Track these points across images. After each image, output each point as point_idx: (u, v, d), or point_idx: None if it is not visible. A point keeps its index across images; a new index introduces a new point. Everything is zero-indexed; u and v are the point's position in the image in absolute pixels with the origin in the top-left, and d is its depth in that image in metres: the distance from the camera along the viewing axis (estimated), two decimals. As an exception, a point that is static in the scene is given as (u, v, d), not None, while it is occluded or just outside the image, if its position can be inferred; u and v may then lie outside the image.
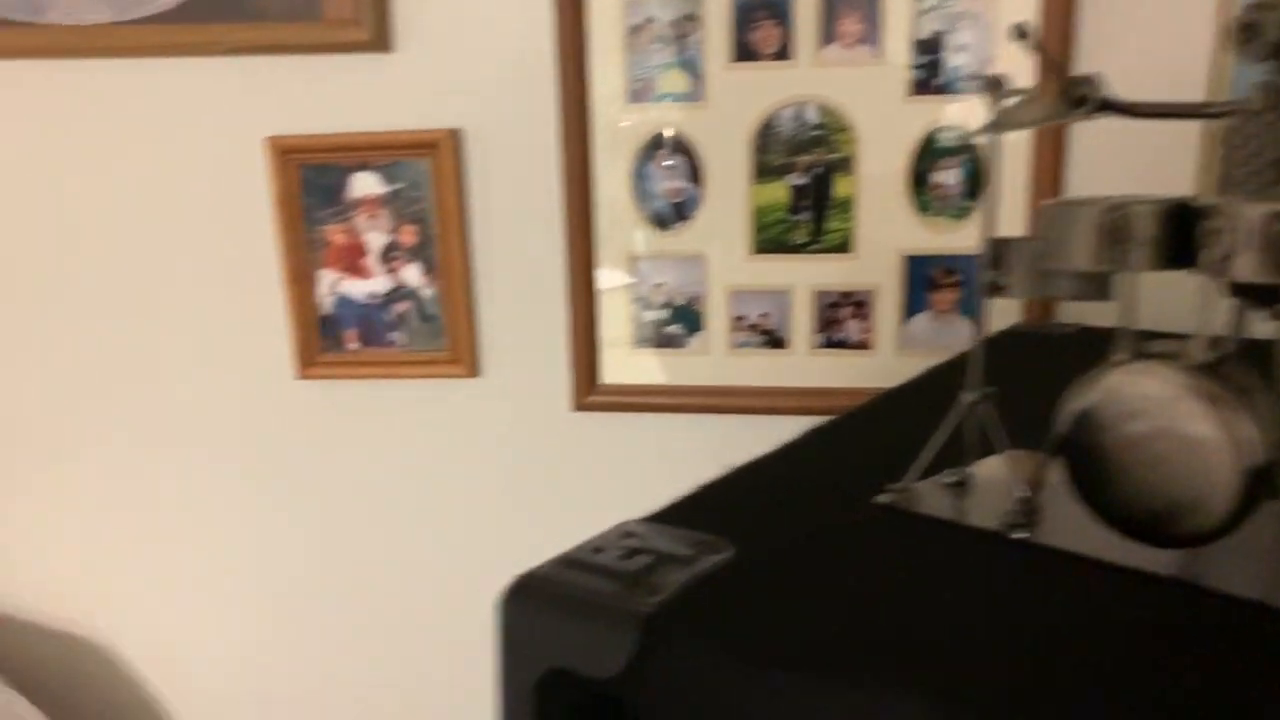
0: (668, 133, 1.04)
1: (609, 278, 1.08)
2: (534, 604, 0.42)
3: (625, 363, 1.10)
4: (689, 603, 0.41)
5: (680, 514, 0.49)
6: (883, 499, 0.51)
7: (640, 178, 1.06)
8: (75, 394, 1.21)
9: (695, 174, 1.05)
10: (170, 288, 1.16)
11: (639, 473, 1.11)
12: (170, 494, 1.21)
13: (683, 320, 1.08)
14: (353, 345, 1.11)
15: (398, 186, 1.07)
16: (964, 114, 0.99)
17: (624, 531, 0.46)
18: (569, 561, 0.43)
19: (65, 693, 1.31)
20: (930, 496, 0.51)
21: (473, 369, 1.10)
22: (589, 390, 1.10)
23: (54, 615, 1.30)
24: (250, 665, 1.26)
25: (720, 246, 1.06)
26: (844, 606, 0.41)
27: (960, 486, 0.52)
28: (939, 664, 0.37)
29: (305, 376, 1.12)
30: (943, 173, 1.02)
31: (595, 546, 0.44)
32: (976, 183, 1.01)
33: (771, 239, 1.05)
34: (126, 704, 1.30)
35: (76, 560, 1.27)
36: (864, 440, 0.63)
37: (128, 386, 1.19)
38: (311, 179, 1.07)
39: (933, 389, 0.73)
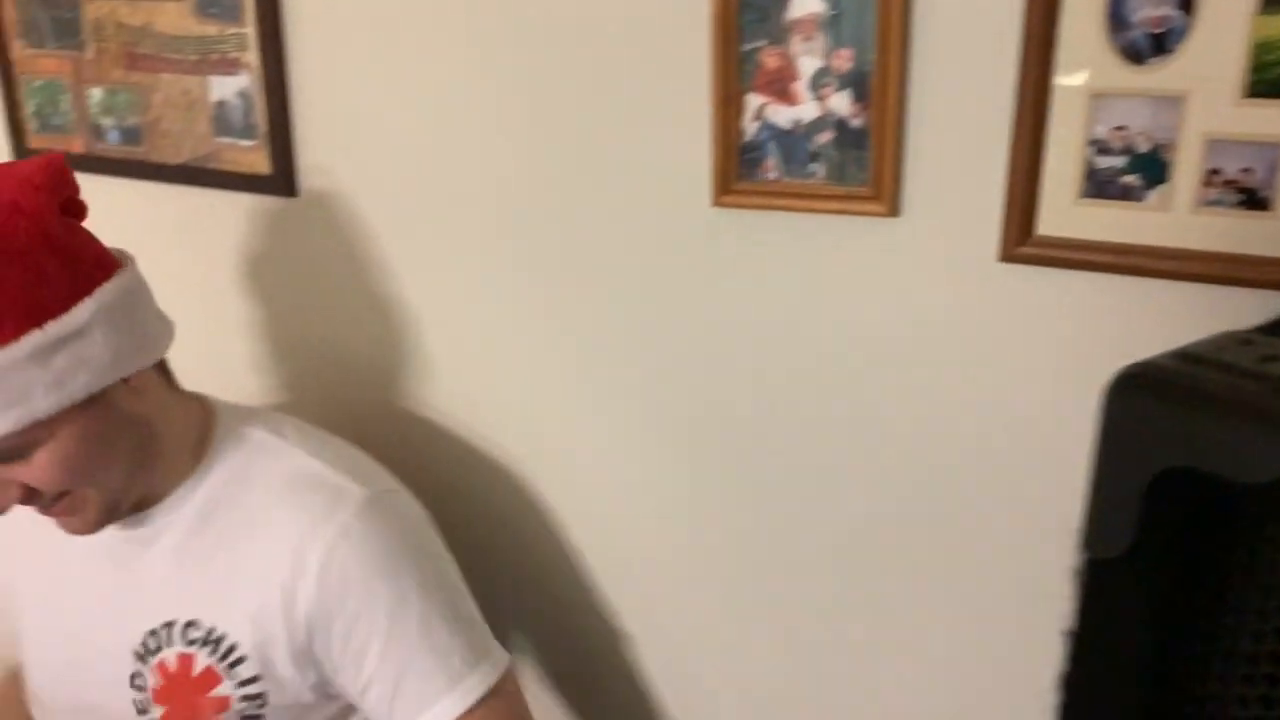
0: (1162, -50, 0.91)
1: (1062, 116, 0.98)
2: (1155, 399, 0.37)
3: (1066, 213, 1.00)
4: (1359, 417, 0.35)
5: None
6: None
7: (1116, 2, 0.94)
8: (488, 211, 1.29)
9: (1186, 0, 0.91)
10: (593, 107, 1.18)
11: (1068, 337, 1.02)
12: (581, 313, 1.27)
13: (1144, 170, 0.96)
14: (771, 174, 1.09)
15: (840, 6, 1.01)
16: None
17: (1240, 339, 0.40)
18: (1188, 356, 0.38)
19: (462, 500, 1.44)
20: None
21: (893, 208, 1.05)
22: (1022, 240, 1.01)
23: (468, 427, 1.42)
24: (652, 493, 1.31)
25: (1205, 87, 0.93)
26: None
27: None
28: None
29: (720, 204, 1.12)
30: None
31: (1214, 345, 0.39)
32: None
33: (1271, 81, 0.90)
34: (526, 517, 1.41)
35: (491, 378, 1.37)
36: None
37: (544, 204, 1.25)
38: (752, -4, 1.04)
39: None
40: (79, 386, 0.91)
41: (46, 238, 0.93)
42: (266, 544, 1.04)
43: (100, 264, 0.99)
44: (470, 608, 1.10)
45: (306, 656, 1.04)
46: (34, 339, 0.89)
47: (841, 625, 1.21)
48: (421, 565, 1.06)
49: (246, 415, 1.15)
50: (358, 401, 1.48)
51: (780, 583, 1.24)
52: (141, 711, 1.09)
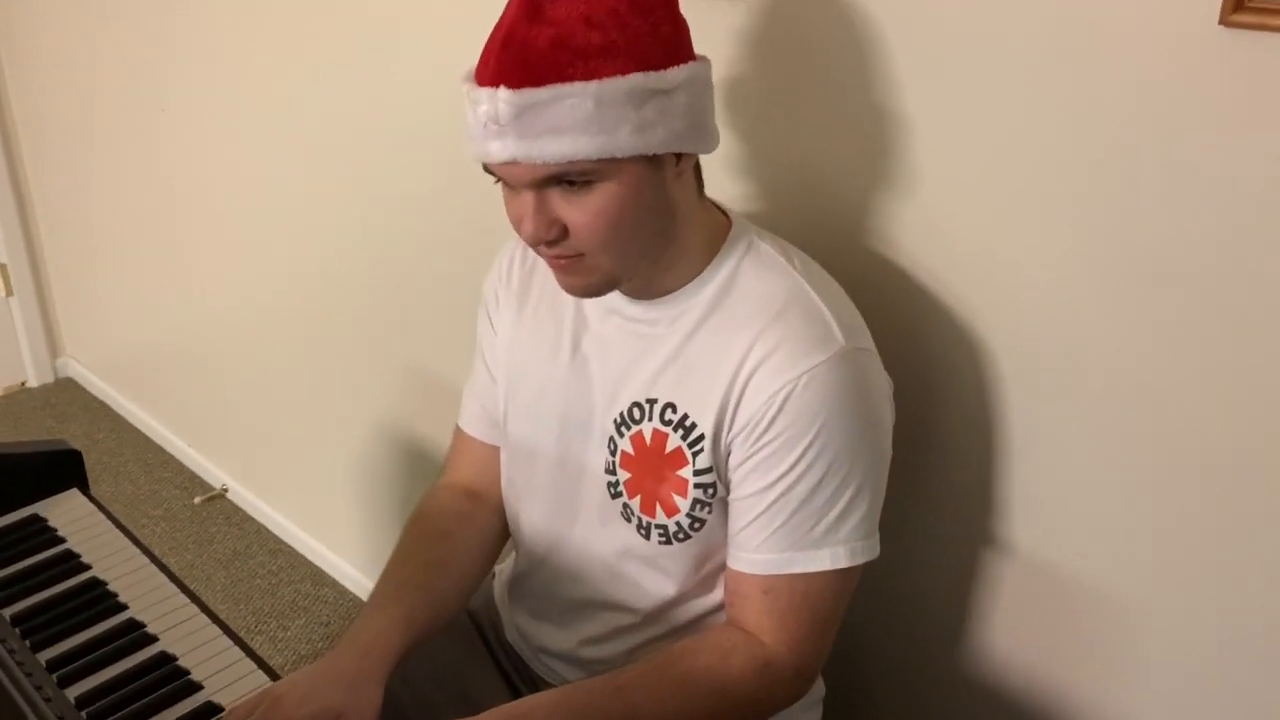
0: None
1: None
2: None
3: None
4: None
5: None
6: None
7: None
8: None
9: None
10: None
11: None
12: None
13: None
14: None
15: None
16: None
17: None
18: None
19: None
20: None
21: None
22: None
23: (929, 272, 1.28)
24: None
25: None
26: None
27: None
28: None
29: (1230, 25, 0.98)
30: None
31: None
32: None
33: None
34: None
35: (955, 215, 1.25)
36: None
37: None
38: None
39: None
40: (654, 140, 0.99)
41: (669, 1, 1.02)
42: (742, 351, 1.08)
43: (690, 43, 1.07)
44: (879, 489, 1.11)
45: (724, 457, 1.11)
46: (635, 80, 0.97)
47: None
48: (863, 433, 1.07)
49: (760, 231, 1.17)
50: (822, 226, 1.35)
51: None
52: (609, 472, 1.18)
